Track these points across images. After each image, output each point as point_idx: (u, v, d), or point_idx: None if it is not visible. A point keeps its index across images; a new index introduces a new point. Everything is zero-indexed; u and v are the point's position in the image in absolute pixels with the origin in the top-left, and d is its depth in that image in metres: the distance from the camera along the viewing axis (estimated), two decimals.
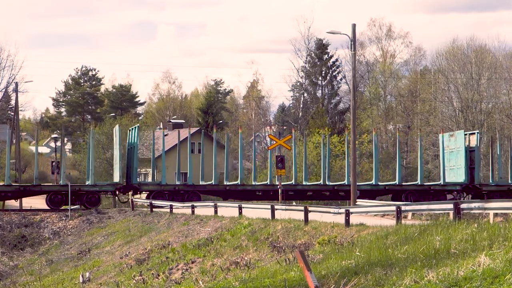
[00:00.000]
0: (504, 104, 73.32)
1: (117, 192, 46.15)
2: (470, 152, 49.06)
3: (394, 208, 23.59)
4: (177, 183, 46.49)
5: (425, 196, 46.55)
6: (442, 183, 48.17)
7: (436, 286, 12.49)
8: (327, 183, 48.06)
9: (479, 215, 24.00)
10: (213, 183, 46.95)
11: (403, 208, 23.47)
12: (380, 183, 48.59)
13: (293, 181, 48.01)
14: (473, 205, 21.22)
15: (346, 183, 46.91)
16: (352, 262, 16.30)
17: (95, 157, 65.04)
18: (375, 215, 28.71)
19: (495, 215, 24.26)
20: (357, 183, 46.34)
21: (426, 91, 77.53)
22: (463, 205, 20.73)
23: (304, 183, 48.63)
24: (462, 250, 14.98)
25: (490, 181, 49.14)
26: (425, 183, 48.85)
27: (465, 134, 49.99)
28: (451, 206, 21.13)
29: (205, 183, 47.35)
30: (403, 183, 49.05)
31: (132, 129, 48.39)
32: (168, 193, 45.34)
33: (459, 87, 72.37)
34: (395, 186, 48.40)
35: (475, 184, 48.27)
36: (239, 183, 47.14)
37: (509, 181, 49.37)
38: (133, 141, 47.34)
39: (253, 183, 48.00)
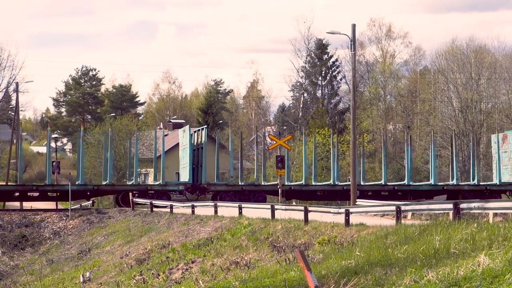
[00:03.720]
0: (503, 104, 73.35)
1: None
2: (198, 150, 47.02)
3: (393, 208, 23.62)
4: None
5: (145, 196, 44.88)
6: (161, 183, 45.65)
7: (436, 285, 12.52)
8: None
9: (479, 215, 24.03)
10: None
11: (402, 208, 23.50)
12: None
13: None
14: (472, 205, 21.28)
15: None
16: (352, 262, 16.34)
17: (95, 157, 65.57)
18: (374, 215, 28.75)
19: (495, 215, 24.29)
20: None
21: (426, 91, 77.57)
22: (462, 205, 20.78)
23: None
24: (461, 250, 15.01)
25: (241, 182, 46.98)
26: (148, 183, 46.77)
27: (195, 131, 48.00)
28: (450, 206, 21.18)
29: None
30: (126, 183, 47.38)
31: None
32: None
33: (458, 87, 72.40)
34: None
35: (202, 184, 45.98)
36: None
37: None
38: None
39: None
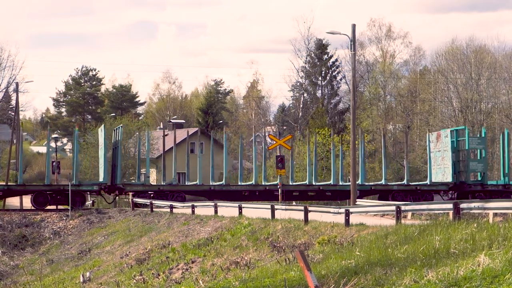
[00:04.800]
0: (503, 104, 73.38)
1: None
2: (113, 150, 46.31)
3: (393, 208, 23.63)
4: None
5: (62, 196, 43.94)
6: (75, 183, 44.32)
7: (436, 285, 12.53)
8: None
9: (479, 215, 24.04)
10: None
11: (402, 208, 23.52)
12: None
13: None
14: (472, 205, 21.29)
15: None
16: (352, 262, 16.35)
17: (95, 156, 65.54)
18: (374, 215, 28.76)
19: (495, 215, 24.30)
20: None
21: (426, 91, 77.61)
22: (462, 205, 20.79)
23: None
24: (461, 250, 15.02)
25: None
26: (62, 184, 46.31)
27: (114, 130, 47.29)
28: (450, 206, 21.20)
29: None
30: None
31: None
32: None
33: (458, 87, 72.45)
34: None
35: (118, 184, 45.32)
36: None
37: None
38: None
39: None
